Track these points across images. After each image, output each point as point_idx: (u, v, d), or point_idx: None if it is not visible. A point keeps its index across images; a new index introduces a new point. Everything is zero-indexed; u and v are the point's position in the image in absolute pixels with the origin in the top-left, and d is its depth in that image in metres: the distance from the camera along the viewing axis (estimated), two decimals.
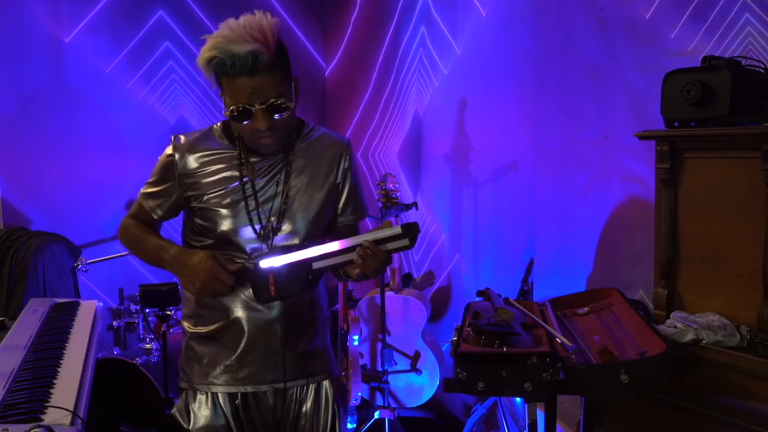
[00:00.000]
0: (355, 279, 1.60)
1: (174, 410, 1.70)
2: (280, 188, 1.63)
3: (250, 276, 1.54)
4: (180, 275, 1.59)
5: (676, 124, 1.97)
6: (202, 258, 1.54)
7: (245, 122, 1.50)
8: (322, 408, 1.72)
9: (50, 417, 1.34)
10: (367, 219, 1.92)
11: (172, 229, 3.52)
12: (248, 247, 1.62)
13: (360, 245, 1.46)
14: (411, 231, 1.44)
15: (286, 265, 1.51)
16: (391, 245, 1.46)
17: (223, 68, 1.45)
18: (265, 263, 1.51)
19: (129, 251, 1.79)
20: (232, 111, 1.49)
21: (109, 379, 2.72)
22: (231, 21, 1.46)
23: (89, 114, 3.38)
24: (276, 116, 1.50)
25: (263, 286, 1.52)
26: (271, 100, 1.48)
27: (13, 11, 3.12)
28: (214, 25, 3.68)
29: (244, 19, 1.46)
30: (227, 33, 1.43)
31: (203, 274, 1.53)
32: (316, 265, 1.51)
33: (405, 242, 1.45)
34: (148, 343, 2.98)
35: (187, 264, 1.56)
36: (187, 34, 3.67)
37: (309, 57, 4.22)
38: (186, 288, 1.61)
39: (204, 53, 1.46)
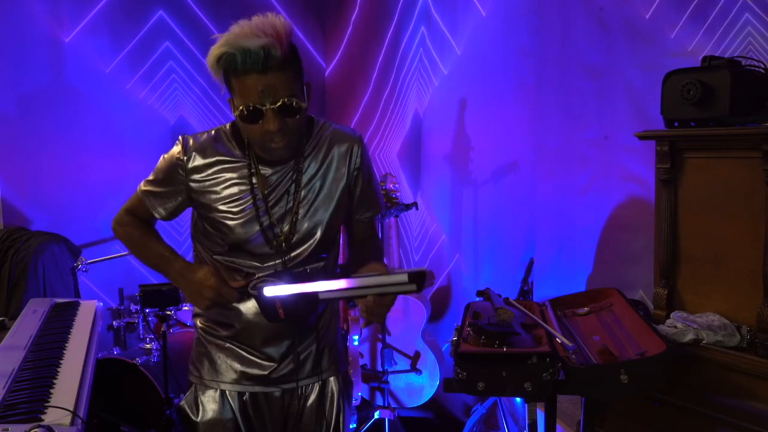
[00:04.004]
0: (362, 326, 1.58)
1: (183, 402, 1.71)
2: (291, 197, 1.60)
3: (257, 300, 1.51)
4: (184, 289, 1.58)
5: (676, 124, 1.97)
6: (206, 274, 1.51)
7: (255, 124, 1.45)
8: (327, 403, 1.72)
9: (50, 417, 1.34)
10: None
11: (171, 229, 3.53)
12: (262, 255, 1.60)
13: (365, 288, 1.41)
14: (418, 278, 1.40)
15: (291, 294, 1.47)
16: (396, 290, 1.43)
17: (234, 65, 1.40)
18: (269, 291, 1.47)
19: (124, 246, 1.74)
20: (241, 111, 1.43)
21: (109, 379, 2.72)
22: (242, 21, 1.42)
23: (89, 114, 3.38)
24: (288, 118, 1.45)
25: (271, 309, 1.49)
26: (284, 100, 1.42)
27: (13, 11, 3.12)
28: (214, 25, 3.72)
29: (256, 18, 1.42)
30: (238, 30, 1.40)
31: (207, 291, 1.51)
32: (322, 296, 1.47)
33: (412, 287, 1.41)
34: (148, 343, 2.98)
35: (191, 280, 1.53)
36: (187, 34, 3.67)
37: (309, 57, 4.22)
38: (190, 302, 1.59)
39: (213, 51, 1.42)
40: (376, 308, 1.46)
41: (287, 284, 1.47)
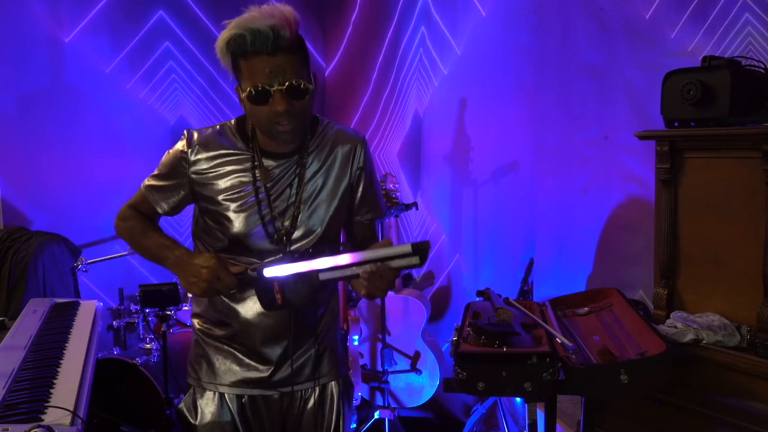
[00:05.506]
0: (363, 296, 1.55)
1: (182, 405, 1.70)
2: (294, 192, 1.59)
3: (255, 284, 1.49)
4: (182, 275, 1.53)
5: (676, 124, 1.97)
6: (206, 258, 1.49)
7: (263, 105, 1.45)
8: (327, 405, 1.72)
9: (50, 417, 1.34)
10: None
11: (171, 228, 3.54)
12: (262, 251, 1.59)
13: (368, 262, 1.40)
14: (422, 249, 1.38)
15: (291, 275, 1.45)
16: (400, 263, 1.40)
17: (243, 47, 1.41)
18: (269, 272, 1.45)
19: (126, 242, 1.71)
20: (249, 92, 1.44)
21: (109, 379, 2.72)
22: (251, 7, 1.44)
23: (89, 114, 3.38)
24: (295, 101, 1.46)
25: (269, 294, 1.47)
26: (292, 81, 1.43)
27: (13, 11, 3.12)
28: (214, 25, 3.72)
29: (264, 6, 1.44)
30: (247, 15, 1.42)
31: (206, 274, 1.47)
32: (323, 276, 1.44)
33: (415, 260, 1.39)
34: (148, 343, 2.98)
35: (190, 263, 1.50)
36: (187, 34, 3.68)
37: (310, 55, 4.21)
38: (187, 289, 1.55)
39: (223, 35, 1.43)
40: (378, 280, 1.41)
41: (288, 263, 1.46)
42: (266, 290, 1.47)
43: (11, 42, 3.12)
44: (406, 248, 1.39)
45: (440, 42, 3.60)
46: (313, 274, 1.44)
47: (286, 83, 1.43)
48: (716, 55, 1.95)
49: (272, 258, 1.60)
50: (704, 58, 1.91)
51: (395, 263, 1.41)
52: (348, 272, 1.44)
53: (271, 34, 1.39)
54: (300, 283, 1.46)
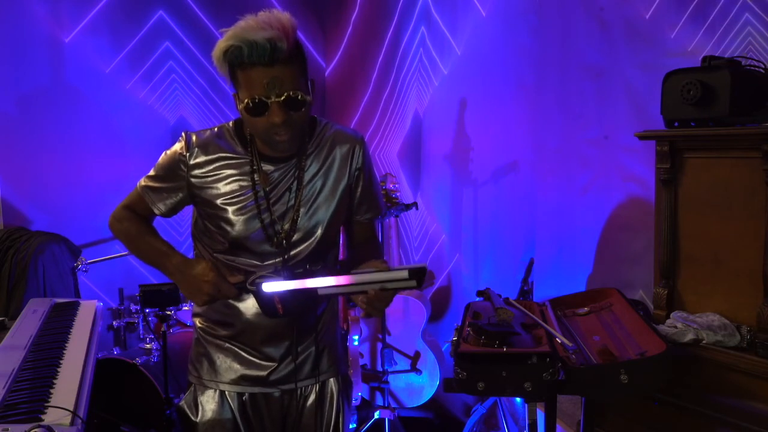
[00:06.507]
0: (362, 316, 1.57)
1: (182, 402, 1.71)
2: (293, 195, 1.60)
3: (256, 295, 1.51)
4: (181, 285, 1.56)
5: (676, 124, 1.97)
6: (205, 269, 1.50)
7: (260, 116, 1.45)
8: (326, 403, 1.72)
9: (50, 417, 1.34)
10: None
11: (170, 228, 3.53)
12: (262, 253, 1.60)
13: (366, 285, 1.42)
14: (418, 274, 1.41)
15: (290, 290, 1.47)
16: (397, 285, 1.44)
17: (240, 58, 1.41)
18: (268, 287, 1.47)
19: (122, 243, 1.71)
20: (246, 104, 1.44)
21: (109, 379, 2.72)
22: (248, 16, 1.43)
23: (89, 114, 3.38)
24: (292, 111, 1.46)
25: (270, 305, 1.49)
26: (289, 93, 1.43)
27: (13, 11, 3.12)
28: (214, 25, 3.72)
29: (262, 13, 1.43)
30: (244, 24, 1.41)
31: (206, 286, 1.50)
32: (321, 292, 1.47)
33: (412, 283, 1.43)
34: (148, 343, 2.98)
35: (189, 275, 1.52)
36: (187, 34, 3.68)
37: (309, 57, 4.20)
38: (188, 298, 1.57)
39: (220, 44, 1.42)
40: (377, 302, 1.45)
41: (286, 280, 1.47)
42: (267, 301, 1.49)
43: (11, 42, 3.12)
44: (403, 273, 1.42)
45: (440, 42, 3.60)
46: (311, 290, 1.46)
47: (284, 95, 1.43)
48: (716, 55, 1.95)
49: (272, 261, 1.61)
50: (704, 58, 1.91)
51: (392, 286, 1.44)
52: (347, 290, 1.47)
53: (269, 46, 1.39)
54: (299, 297, 1.48)
